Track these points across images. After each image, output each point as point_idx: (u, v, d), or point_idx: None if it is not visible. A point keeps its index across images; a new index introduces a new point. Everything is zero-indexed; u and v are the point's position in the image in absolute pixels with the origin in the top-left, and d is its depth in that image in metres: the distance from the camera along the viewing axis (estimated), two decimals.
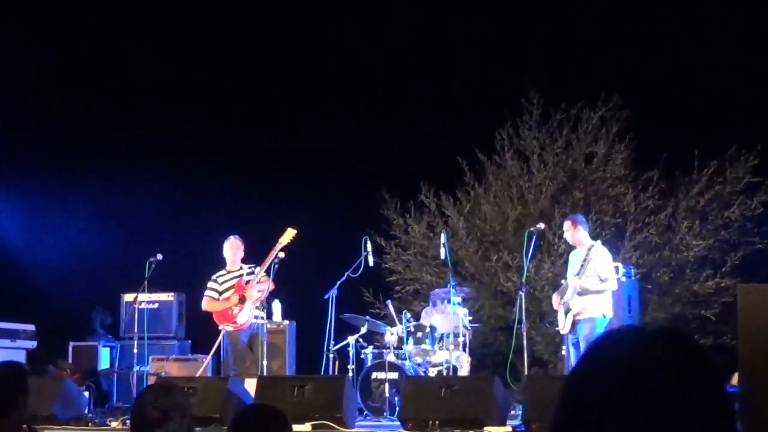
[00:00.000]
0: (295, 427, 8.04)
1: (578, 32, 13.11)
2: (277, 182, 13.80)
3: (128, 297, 11.66)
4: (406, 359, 10.29)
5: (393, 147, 13.21)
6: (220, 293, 10.25)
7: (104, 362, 12.23)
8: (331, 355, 10.39)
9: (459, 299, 10.73)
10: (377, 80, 13.61)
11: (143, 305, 11.12)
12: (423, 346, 10.33)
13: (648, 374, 1.30)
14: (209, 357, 10.58)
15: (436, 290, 11.39)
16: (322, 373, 10.25)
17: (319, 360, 10.44)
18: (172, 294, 12.14)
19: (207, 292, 10.32)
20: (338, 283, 10.33)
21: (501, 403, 8.28)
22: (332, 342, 10.34)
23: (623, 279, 10.64)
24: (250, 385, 9.06)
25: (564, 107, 13.02)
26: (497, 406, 8.16)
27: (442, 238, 10.56)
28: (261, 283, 10.14)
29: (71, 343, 12.32)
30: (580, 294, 9.27)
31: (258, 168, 13.89)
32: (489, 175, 13.30)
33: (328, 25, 14.27)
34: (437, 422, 8.05)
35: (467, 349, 10.46)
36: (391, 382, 9.97)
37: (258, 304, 10.18)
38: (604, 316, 9.27)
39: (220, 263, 10.44)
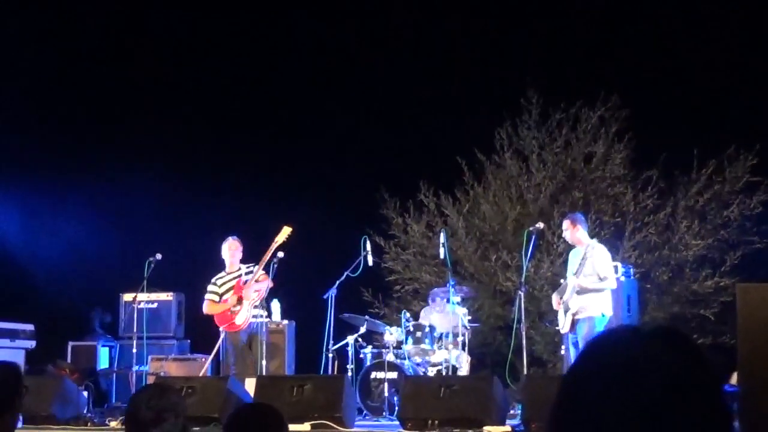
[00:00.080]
0: (294, 426, 8.05)
1: (577, 32, 13.11)
2: (277, 182, 13.80)
3: (127, 297, 11.67)
4: (405, 359, 10.29)
5: (392, 147, 13.21)
6: (221, 295, 10.25)
7: (103, 362, 12.23)
8: (331, 355, 10.39)
9: (458, 299, 10.73)
10: (377, 80, 13.62)
11: (142, 305, 11.12)
12: (422, 346, 10.33)
13: (645, 373, 1.30)
14: (210, 357, 10.57)
15: (436, 290, 11.39)
16: (322, 372, 10.25)
17: (319, 359, 10.44)
18: (171, 294, 12.14)
19: (207, 296, 10.32)
20: (337, 282, 10.34)
21: (500, 402, 8.28)
22: (331, 341, 10.34)
23: (622, 278, 10.64)
24: (251, 385, 9.07)
25: (563, 107, 13.02)
26: (496, 405, 8.16)
27: (442, 238, 10.56)
28: (259, 282, 10.14)
29: (70, 343, 12.33)
30: (578, 293, 9.27)
31: (257, 168, 13.89)
32: (488, 175, 13.30)
33: (328, 25, 14.28)
34: (436, 422, 8.05)
35: (466, 349, 10.46)
36: (391, 381, 9.97)
37: (257, 303, 10.17)
38: (603, 316, 9.27)
39: (220, 263, 10.44)
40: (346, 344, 10.59)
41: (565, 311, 9.34)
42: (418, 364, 10.34)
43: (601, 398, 1.30)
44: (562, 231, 10.12)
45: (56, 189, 13.54)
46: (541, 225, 10.09)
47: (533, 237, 9.77)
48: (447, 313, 10.62)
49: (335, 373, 10.30)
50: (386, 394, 9.94)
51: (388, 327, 10.69)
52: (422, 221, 13.30)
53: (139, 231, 13.20)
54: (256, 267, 10.13)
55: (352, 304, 11.27)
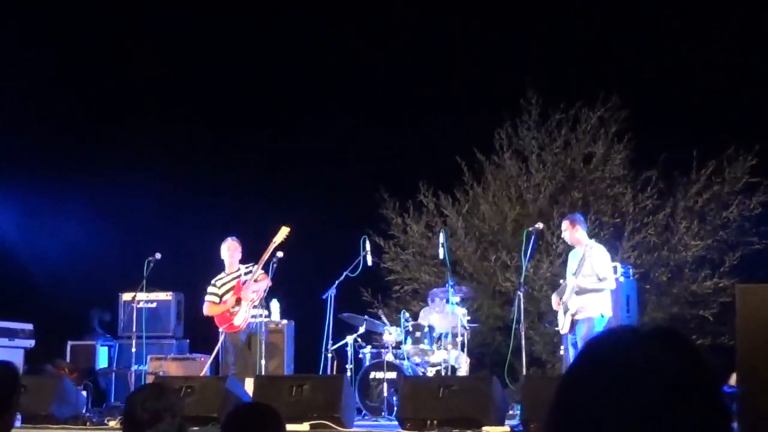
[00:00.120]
0: (293, 426, 8.05)
1: (577, 32, 13.11)
2: (276, 182, 13.80)
3: (126, 296, 11.67)
4: (404, 359, 10.29)
5: (392, 147, 13.21)
6: (221, 297, 10.25)
7: (102, 361, 12.22)
8: (330, 355, 10.38)
9: (457, 299, 10.73)
10: (376, 80, 13.62)
11: (141, 304, 11.11)
12: (421, 346, 10.33)
13: (644, 374, 1.30)
14: (211, 357, 10.56)
15: (435, 290, 11.38)
16: (321, 372, 10.25)
17: (318, 359, 10.43)
18: (171, 293, 12.14)
19: (207, 297, 10.32)
20: (337, 282, 10.34)
21: (499, 403, 8.29)
22: (330, 341, 10.34)
23: (621, 279, 10.65)
24: (251, 384, 9.07)
25: (563, 107, 13.03)
26: (495, 406, 8.16)
27: (441, 238, 10.56)
28: (258, 282, 10.13)
29: (69, 342, 12.33)
30: (577, 293, 9.27)
31: (257, 167, 13.89)
32: (488, 175, 13.31)
33: (328, 25, 14.28)
34: (435, 422, 8.05)
35: (465, 349, 10.45)
36: (390, 381, 9.97)
37: (257, 303, 10.17)
38: (603, 316, 9.27)
39: (220, 264, 10.44)
40: (346, 344, 10.59)
41: (565, 312, 9.34)
42: (417, 365, 10.34)
43: (599, 398, 1.30)
44: (561, 231, 10.12)
45: (56, 188, 13.54)
46: (540, 225, 10.10)
47: (532, 237, 9.77)
48: (446, 314, 10.62)
49: (334, 373, 10.30)
50: (385, 394, 9.94)
51: (387, 327, 10.69)
52: (422, 221, 13.30)
53: (139, 230, 13.20)
54: (255, 267, 10.13)
55: (351, 304, 11.27)
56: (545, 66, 13.09)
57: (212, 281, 10.35)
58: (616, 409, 1.29)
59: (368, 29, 14.11)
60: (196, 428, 8.00)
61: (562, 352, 9.76)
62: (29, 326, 11.92)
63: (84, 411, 9.49)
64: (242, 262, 10.35)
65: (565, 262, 10.08)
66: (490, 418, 8.02)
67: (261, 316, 10.21)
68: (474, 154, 13.25)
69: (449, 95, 13.35)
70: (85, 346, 12.39)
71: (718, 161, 12.46)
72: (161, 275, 10.72)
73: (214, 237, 10.69)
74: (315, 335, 10.55)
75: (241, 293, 10.11)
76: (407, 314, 10.69)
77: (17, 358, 11.24)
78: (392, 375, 10.03)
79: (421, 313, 11.19)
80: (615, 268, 10.23)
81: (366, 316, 11.05)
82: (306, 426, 8.16)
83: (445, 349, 10.28)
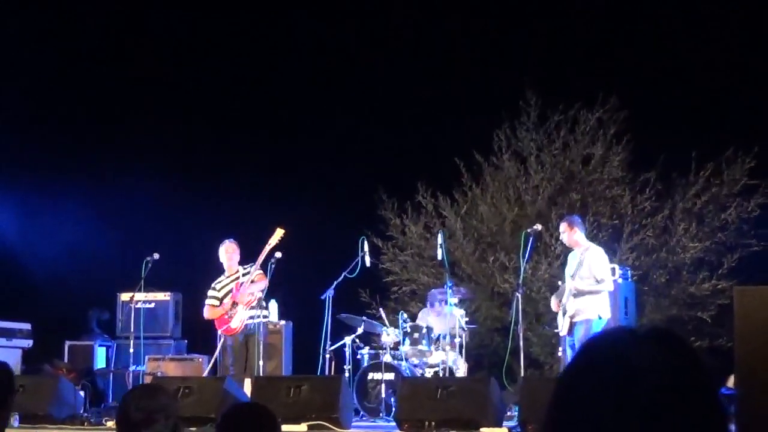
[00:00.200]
0: (291, 427, 8.06)
1: (576, 34, 13.11)
2: (275, 182, 13.80)
3: (125, 296, 11.66)
4: (402, 360, 10.29)
5: (391, 148, 13.21)
6: (221, 299, 10.25)
7: (100, 361, 12.22)
8: (328, 356, 10.38)
9: (456, 300, 10.72)
10: (376, 81, 13.62)
11: (140, 305, 11.10)
12: (419, 347, 10.33)
13: (641, 374, 1.30)
14: (211, 362, 10.55)
15: (433, 291, 11.39)
16: (319, 373, 10.24)
17: (316, 360, 10.43)
18: (169, 293, 12.14)
19: (208, 300, 10.32)
20: (335, 283, 10.33)
21: (497, 404, 8.29)
22: (329, 342, 10.34)
23: (620, 281, 10.65)
24: (249, 385, 9.07)
25: (561, 109, 13.03)
26: (493, 407, 8.16)
27: (439, 239, 10.56)
28: (255, 283, 10.13)
29: (67, 342, 12.32)
30: (575, 296, 9.26)
31: (255, 168, 13.89)
32: (486, 176, 13.31)
33: (328, 25, 14.28)
34: (433, 423, 8.05)
35: (463, 352, 10.44)
36: (388, 382, 9.97)
37: (254, 304, 10.16)
38: (600, 318, 9.26)
39: (219, 264, 10.43)
40: (344, 345, 10.59)
41: (564, 314, 9.33)
42: (415, 366, 10.34)
43: (596, 399, 1.30)
44: (559, 233, 10.12)
45: (55, 188, 13.53)
46: (538, 227, 10.10)
47: (531, 239, 9.77)
48: (444, 315, 10.62)
49: (332, 373, 10.29)
50: (383, 395, 9.94)
51: (385, 328, 10.69)
52: (420, 222, 13.30)
53: (137, 231, 13.19)
54: (252, 268, 10.13)
55: (349, 304, 11.27)
56: (544, 67, 13.10)
57: (212, 284, 10.35)
58: (614, 410, 1.29)
59: (368, 29, 14.11)
60: (193, 429, 8.00)
61: (560, 354, 9.75)
62: (27, 326, 11.92)
63: (82, 411, 9.49)
64: (242, 263, 10.34)
65: (563, 264, 10.08)
66: (487, 419, 8.02)
67: (259, 316, 10.20)
68: (473, 156, 13.25)
69: (448, 96, 13.36)
70: (83, 346, 12.38)
71: (716, 163, 12.47)
72: (160, 275, 10.72)
73: (213, 237, 10.69)
74: (313, 336, 10.54)
75: (237, 296, 10.10)
76: (405, 315, 10.69)
77: (15, 358, 11.24)
78: (390, 376, 10.03)
79: (420, 315, 11.19)
80: (613, 269, 10.23)
81: (364, 317, 11.05)
82: (304, 426, 8.16)
83: (443, 350, 10.27)
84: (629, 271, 11.37)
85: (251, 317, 10.14)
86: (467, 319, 10.89)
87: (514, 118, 13.23)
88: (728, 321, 9.19)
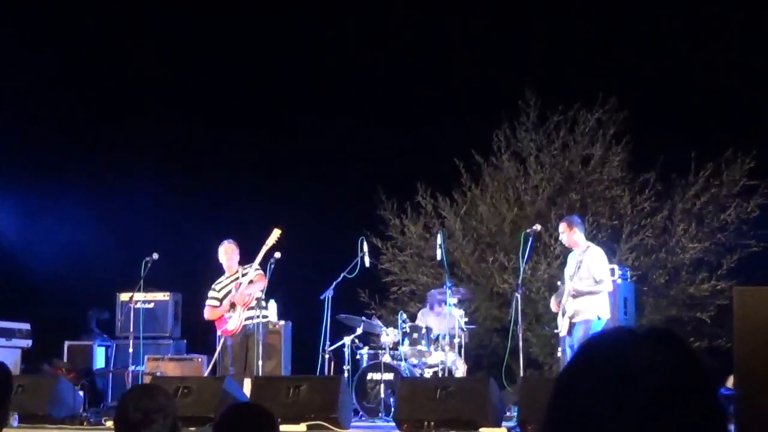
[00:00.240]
0: (290, 427, 8.06)
1: (575, 34, 13.12)
2: (275, 182, 13.80)
3: (124, 296, 11.66)
4: (401, 360, 10.29)
5: (390, 148, 13.22)
6: (221, 300, 10.25)
7: (99, 361, 12.21)
8: (327, 356, 10.38)
9: (455, 300, 10.72)
10: (376, 81, 13.62)
11: (139, 305, 11.10)
12: (419, 347, 10.33)
13: (640, 374, 1.30)
14: (211, 364, 10.55)
15: (433, 291, 11.38)
16: (318, 373, 10.24)
17: (315, 360, 10.43)
18: (168, 294, 12.14)
19: (208, 301, 10.32)
20: (334, 283, 10.33)
21: (496, 404, 8.29)
22: (328, 342, 10.33)
23: (619, 281, 10.65)
24: (249, 386, 9.07)
25: (561, 109, 13.03)
26: (492, 407, 8.16)
27: (439, 239, 10.56)
28: (254, 284, 10.12)
29: (67, 342, 12.31)
30: (574, 296, 9.26)
31: (255, 168, 13.90)
32: (486, 177, 13.31)
33: (328, 25, 14.28)
34: (432, 423, 8.05)
35: (462, 353, 10.44)
36: (387, 383, 9.97)
37: (253, 304, 10.15)
38: (600, 319, 9.25)
39: (218, 265, 10.43)
40: (343, 345, 10.59)
41: (563, 314, 9.33)
42: (414, 366, 10.34)
43: (595, 398, 1.30)
44: (559, 233, 10.12)
45: (54, 189, 13.54)
46: (538, 227, 10.09)
47: (530, 239, 9.77)
48: (444, 315, 10.62)
49: (331, 374, 10.29)
50: (382, 395, 9.94)
51: (384, 328, 10.69)
52: (419, 223, 13.30)
53: (137, 231, 13.19)
54: (250, 269, 10.12)
55: (348, 305, 11.27)
56: (544, 67, 13.11)
57: (213, 285, 10.35)
58: (613, 410, 1.29)
59: (368, 29, 14.12)
60: (192, 429, 8.00)
61: (559, 354, 9.75)
62: (26, 326, 11.92)
63: (81, 411, 9.49)
64: (241, 263, 10.34)
65: (562, 265, 10.08)
66: (487, 419, 8.02)
67: (259, 317, 10.20)
68: (472, 156, 13.25)
69: (448, 96, 13.36)
70: (83, 346, 12.38)
71: (716, 164, 12.47)
72: (159, 275, 10.71)
73: (213, 237, 10.69)
74: (312, 336, 10.54)
75: (235, 297, 10.10)
76: (404, 315, 10.69)
77: (14, 358, 11.25)
78: (389, 376, 10.02)
79: (419, 315, 11.19)
80: (612, 270, 10.23)
81: (363, 317, 11.05)
82: (303, 427, 8.16)
83: (443, 350, 10.28)
84: (628, 272, 11.38)
85: (250, 317, 10.13)
86: (466, 319, 10.89)
87: (514, 119, 13.23)
88: (728, 321, 9.20)
